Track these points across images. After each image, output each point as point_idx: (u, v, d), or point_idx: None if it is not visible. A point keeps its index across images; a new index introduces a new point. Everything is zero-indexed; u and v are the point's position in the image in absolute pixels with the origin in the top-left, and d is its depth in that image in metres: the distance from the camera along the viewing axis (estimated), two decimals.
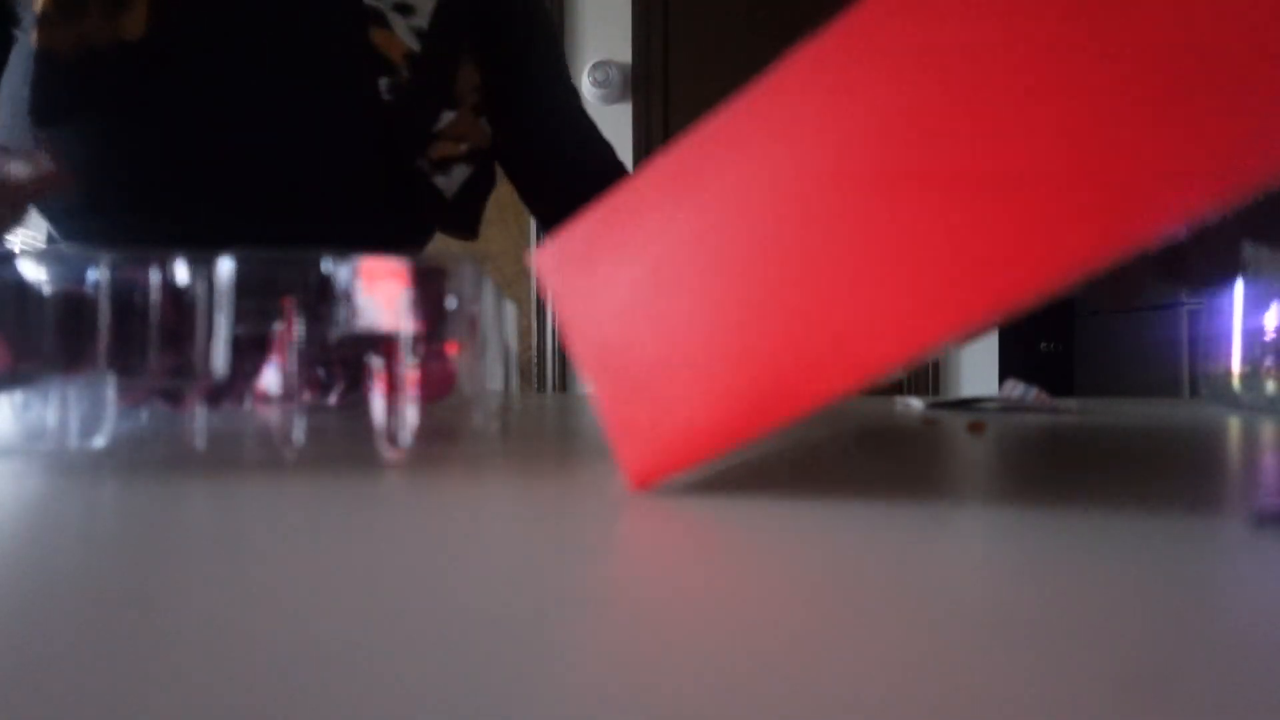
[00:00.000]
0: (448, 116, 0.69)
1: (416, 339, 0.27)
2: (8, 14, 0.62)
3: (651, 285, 0.23)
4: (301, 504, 0.20)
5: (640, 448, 0.24)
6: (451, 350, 0.29)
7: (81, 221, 0.63)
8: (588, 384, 0.26)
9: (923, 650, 0.10)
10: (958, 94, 0.18)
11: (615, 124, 2.28)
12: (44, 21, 0.57)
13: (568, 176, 0.76)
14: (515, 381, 0.34)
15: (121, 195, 0.62)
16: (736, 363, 0.22)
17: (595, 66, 2.26)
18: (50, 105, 0.59)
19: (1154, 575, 0.13)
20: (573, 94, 0.79)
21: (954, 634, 0.10)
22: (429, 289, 0.28)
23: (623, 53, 2.28)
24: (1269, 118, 0.15)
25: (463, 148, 0.70)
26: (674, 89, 2.31)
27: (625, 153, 2.27)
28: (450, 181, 0.70)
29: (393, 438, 0.28)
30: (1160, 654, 0.10)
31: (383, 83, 0.65)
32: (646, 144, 2.29)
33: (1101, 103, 0.17)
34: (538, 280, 0.32)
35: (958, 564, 0.14)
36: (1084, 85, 0.17)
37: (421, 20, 0.68)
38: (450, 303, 0.28)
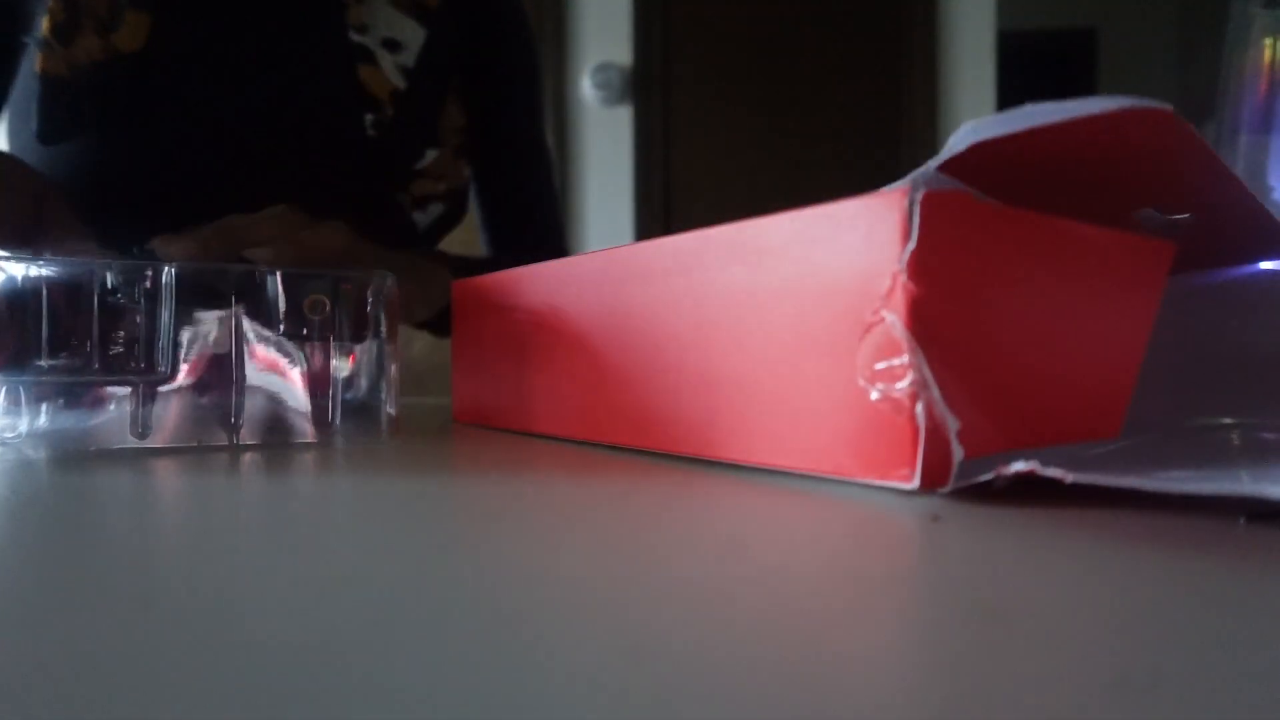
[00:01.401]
0: (430, 154, 0.71)
1: (316, 340, 0.31)
2: (18, 20, 0.64)
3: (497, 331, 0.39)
4: (224, 486, 0.21)
5: (464, 398, 0.42)
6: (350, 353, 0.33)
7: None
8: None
9: (916, 649, 0.10)
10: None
11: (615, 126, 2.27)
12: (45, 46, 0.60)
13: (516, 220, 0.79)
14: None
15: (118, 208, 0.63)
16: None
17: (596, 69, 2.25)
18: (53, 125, 0.62)
19: (1148, 573, 0.13)
20: (541, 137, 0.81)
21: (948, 632, 0.10)
22: (336, 293, 0.32)
23: (623, 55, 2.28)
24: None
25: (441, 187, 0.72)
26: (675, 91, 2.30)
27: (625, 155, 2.27)
28: (426, 217, 0.73)
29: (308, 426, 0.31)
30: (1154, 652, 0.10)
31: (368, 119, 0.67)
32: (647, 146, 2.28)
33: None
34: (453, 295, 0.43)
35: (952, 561, 0.14)
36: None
37: (409, 57, 0.69)
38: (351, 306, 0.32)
